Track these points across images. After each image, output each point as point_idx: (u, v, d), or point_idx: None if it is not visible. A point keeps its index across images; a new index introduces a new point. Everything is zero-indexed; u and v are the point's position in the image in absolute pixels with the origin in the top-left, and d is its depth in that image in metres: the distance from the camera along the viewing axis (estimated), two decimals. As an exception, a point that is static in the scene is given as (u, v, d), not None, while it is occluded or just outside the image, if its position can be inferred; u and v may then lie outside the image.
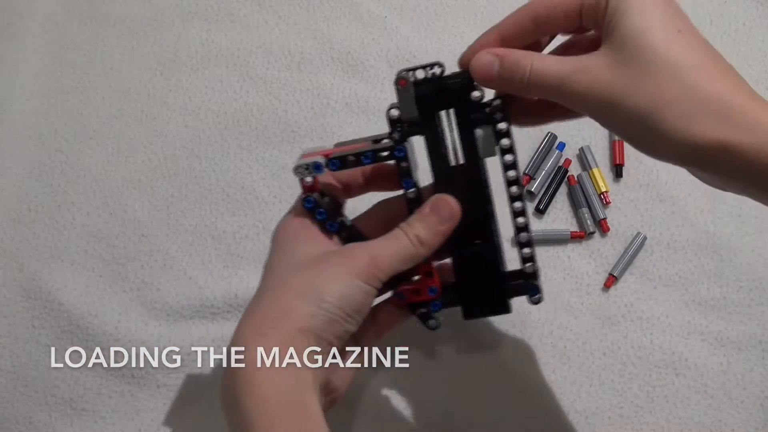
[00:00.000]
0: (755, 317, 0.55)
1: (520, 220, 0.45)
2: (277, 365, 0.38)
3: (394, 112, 0.43)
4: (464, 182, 0.44)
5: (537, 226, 0.58)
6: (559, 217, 0.58)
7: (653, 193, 0.58)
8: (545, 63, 0.39)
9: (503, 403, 0.54)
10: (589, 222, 0.57)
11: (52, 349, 0.56)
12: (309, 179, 0.43)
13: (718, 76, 0.36)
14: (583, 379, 0.54)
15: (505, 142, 0.43)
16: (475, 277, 0.45)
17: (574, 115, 0.43)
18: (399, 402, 0.54)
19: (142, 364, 0.56)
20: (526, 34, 0.41)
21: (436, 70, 0.43)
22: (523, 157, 0.59)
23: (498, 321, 0.55)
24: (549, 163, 0.58)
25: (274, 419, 0.37)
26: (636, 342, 0.55)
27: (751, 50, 0.62)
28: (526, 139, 0.59)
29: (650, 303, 0.56)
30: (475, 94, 0.42)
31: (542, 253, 0.57)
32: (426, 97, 0.43)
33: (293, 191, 0.48)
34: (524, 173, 0.58)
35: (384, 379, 0.55)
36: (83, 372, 0.56)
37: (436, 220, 0.43)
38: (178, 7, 0.65)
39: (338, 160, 0.43)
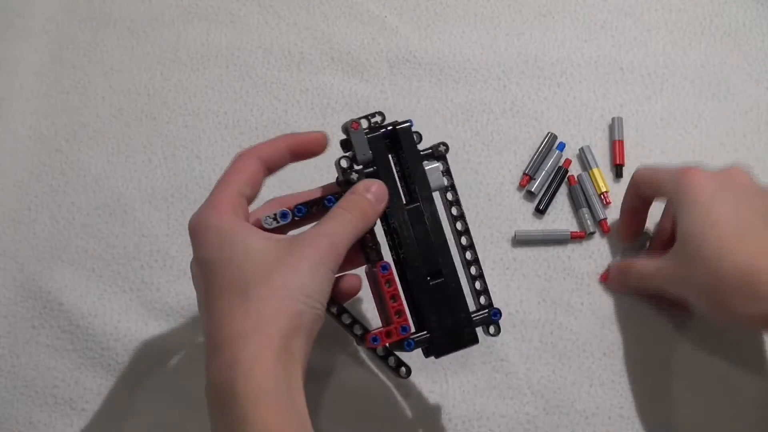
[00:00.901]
0: (755, 317, 0.55)
1: (469, 254, 0.48)
2: (275, 362, 0.38)
3: (344, 162, 0.46)
4: (421, 217, 0.46)
5: (537, 226, 0.58)
6: (559, 217, 0.58)
7: (653, 193, 0.58)
8: (642, 267, 0.52)
9: (503, 403, 0.54)
10: (589, 222, 0.57)
11: (52, 349, 0.56)
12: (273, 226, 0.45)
13: (742, 250, 0.45)
14: (583, 379, 0.54)
15: (447, 179, 0.47)
16: (441, 311, 0.46)
17: None
18: (397, 402, 0.54)
19: (141, 365, 0.56)
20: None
21: (378, 119, 0.47)
22: (523, 157, 0.59)
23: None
24: (549, 163, 0.58)
25: (272, 413, 0.37)
26: (636, 342, 0.55)
27: (751, 50, 0.62)
28: (526, 138, 0.60)
29: (650, 303, 0.55)
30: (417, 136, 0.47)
31: (542, 253, 0.57)
32: (377, 139, 0.46)
33: (293, 191, 0.49)
34: (524, 173, 0.58)
35: (383, 376, 0.55)
36: (83, 372, 0.56)
37: (372, 198, 0.45)
38: (178, 7, 0.65)
39: (303, 207, 0.45)
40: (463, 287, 0.47)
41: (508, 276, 0.56)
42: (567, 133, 0.59)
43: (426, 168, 0.47)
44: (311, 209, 0.45)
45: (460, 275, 0.47)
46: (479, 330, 0.47)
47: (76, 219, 0.59)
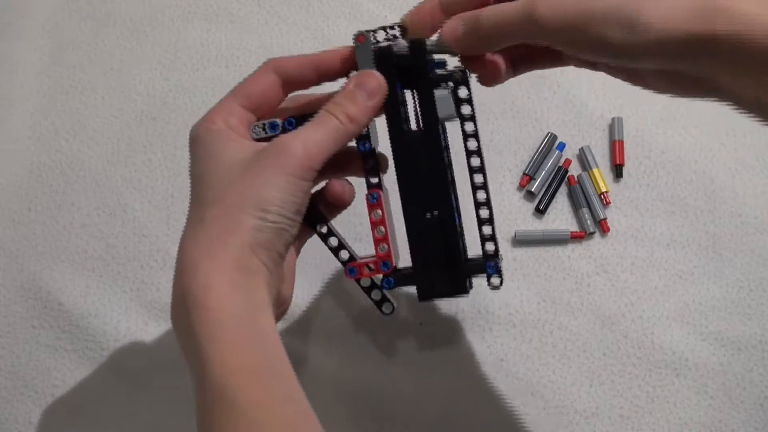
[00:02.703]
0: (755, 317, 0.55)
1: (480, 194, 0.43)
2: (229, 288, 0.36)
3: (354, 74, 0.42)
4: (422, 147, 0.42)
5: (537, 226, 0.58)
6: (559, 217, 0.58)
7: (653, 193, 0.58)
8: (503, 7, 0.37)
9: (503, 403, 0.54)
10: (589, 222, 0.57)
11: (52, 349, 0.56)
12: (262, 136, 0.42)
13: None
14: (583, 379, 0.54)
15: (465, 108, 0.42)
16: (431, 251, 0.42)
17: (543, 60, 0.42)
18: (397, 401, 0.54)
19: (142, 365, 0.56)
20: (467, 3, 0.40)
21: (396, 32, 0.42)
22: (523, 157, 0.59)
23: (498, 321, 0.55)
24: (549, 163, 0.58)
25: (228, 344, 0.35)
26: (636, 342, 0.55)
27: (751, 50, 0.62)
28: (527, 138, 0.59)
29: (650, 303, 0.56)
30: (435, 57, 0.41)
31: (542, 253, 0.57)
32: (385, 56, 0.41)
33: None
34: (524, 173, 0.58)
35: (385, 376, 0.55)
36: (83, 372, 0.56)
37: (363, 95, 0.41)
38: (178, 7, 0.65)
39: (294, 120, 0.42)
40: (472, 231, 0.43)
41: (508, 276, 0.56)
42: (567, 133, 0.59)
43: (435, 94, 0.42)
44: (304, 120, 0.41)
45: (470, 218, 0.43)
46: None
47: (76, 219, 0.59)
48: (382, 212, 0.43)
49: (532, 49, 0.41)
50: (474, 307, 0.56)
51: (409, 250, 0.43)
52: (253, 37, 0.64)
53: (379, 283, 0.44)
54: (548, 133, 0.59)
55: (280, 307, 0.42)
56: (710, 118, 0.60)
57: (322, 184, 0.44)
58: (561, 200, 0.58)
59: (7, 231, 0.59)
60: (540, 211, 0.58)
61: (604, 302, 0.56)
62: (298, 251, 0.45)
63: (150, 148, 0.61)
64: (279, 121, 0.42)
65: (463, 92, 0.42)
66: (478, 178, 0.43)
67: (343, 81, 0.42)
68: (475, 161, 0.43)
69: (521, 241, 0.57)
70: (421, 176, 0.42)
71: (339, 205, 0.44)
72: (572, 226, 0.58)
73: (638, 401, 0.54)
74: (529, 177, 0.58)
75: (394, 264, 0.43)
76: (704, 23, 0.32)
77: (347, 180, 0.44)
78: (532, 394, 0.54)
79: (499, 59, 0.42)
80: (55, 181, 0.60)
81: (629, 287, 0.56)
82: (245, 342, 0.36)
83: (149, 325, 0.57)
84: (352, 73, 0.42)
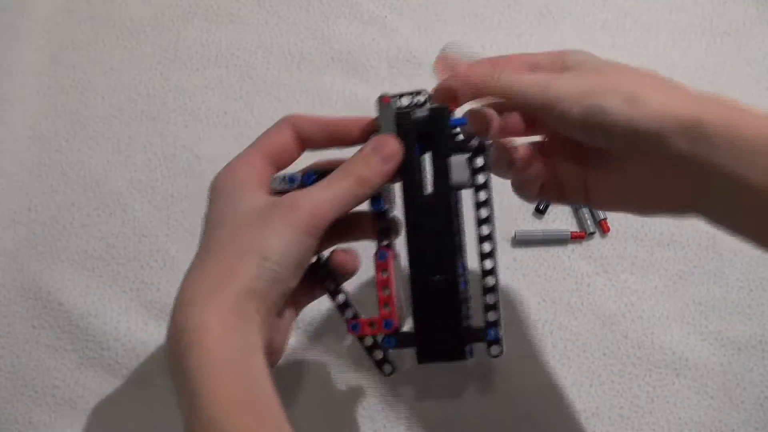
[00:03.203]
0: (755, 317, 0.55)
1: (488, 263, 0.43)
2: (224, 329, 0.37)
3: (367, 143, 0.43)
4: (433, 212, 0.43)
5: (537, 226, 0.58)
6: (559, 217, 0.58)
7: (653, 193, 0.58)
8: (519, 74, 0.41)
9: (503, 402, 0.54)
10: (589, 222, 0.57)
11: (52, 349, 0.56)
12: (281, 189, 0.43)
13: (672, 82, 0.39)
14: (583, 379, 0.54)
15: (480, 178, 0.43)
16: (434, 315, 0.43)
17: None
18: (397, 401, 0.54)
19: (141, 365, 0.56)
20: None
21: (420, 98, 0.43)
22: (523, 157, 0.59)
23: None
24: (549, 163, 0.58)
25: (220, 380, 0.36)
26: (636, 342, 0.55)
27: (751, 50, 0.62)
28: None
29: (650, 303, 0.56)
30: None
31: (542, 253, 0.57)
32: (406, 120, 0.43)
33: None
34: (524, 173, 0.58)
35: (373, 375, 0.55)
36: (83, 372, 0.56)
37: (378, 160, 0.42)
38: (178, 7, 0.65)
39: (314, 173, 0.43)
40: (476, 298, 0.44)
41: (508, 276, 0.56)
42: (567, 133, 0.59)
43: (451, 161, 0.43)
44: (324, 177, 0.42)
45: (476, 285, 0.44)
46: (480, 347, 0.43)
47: (76, 219, 0.59)
48: (390, 272, 0.43)
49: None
50: (473, 307, 0.56)
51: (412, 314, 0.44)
52: (253, 37, 0.64)
53: (380, 341, 0.44)
54: (548, 133, 0.59)
55: (272, 355, 0.42)
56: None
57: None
58: (561, 200, 0.58)
59: (7, 231, 0.59)
60: (540, 212, 0.58)
61: (604, 302, 0.56)
62: (299, 309, 0.46)
63: (150, 148, 0.61)
64: (299, 174, 0.43)
65: (479, 161, 0.43)
66: (486, 247, 0.43)
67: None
68: (485, 230, 0.43)
69: (521, 241, 0.57)
70: (430, 240, 0.43)
71: (342, 273, 0.45)
72: (572, 226, 0.58)
73: (638, 401, 0.54)
74: (529, 177, 0.58)
75: (396, 324, 0.43)
76: (694, 109, 0.36)
77: (353, 250, 0.45)
78: (532, 394, 0.54)
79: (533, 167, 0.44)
80: (55, 181, 0.60)
81: (629, 287, 0.56)
82: (237, 379, 0.37)
83: (149, 325, 0.57)
84: (372, 136, 0.43)
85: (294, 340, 0.55)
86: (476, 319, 0.44)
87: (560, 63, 0.41)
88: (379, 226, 0.44)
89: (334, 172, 0.42)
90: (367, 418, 0.54)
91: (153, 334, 0.56)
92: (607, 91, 0.37)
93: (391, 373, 0.45)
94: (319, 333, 0.56)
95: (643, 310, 0.55)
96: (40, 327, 0.57)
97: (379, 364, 0.45)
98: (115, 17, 0.65)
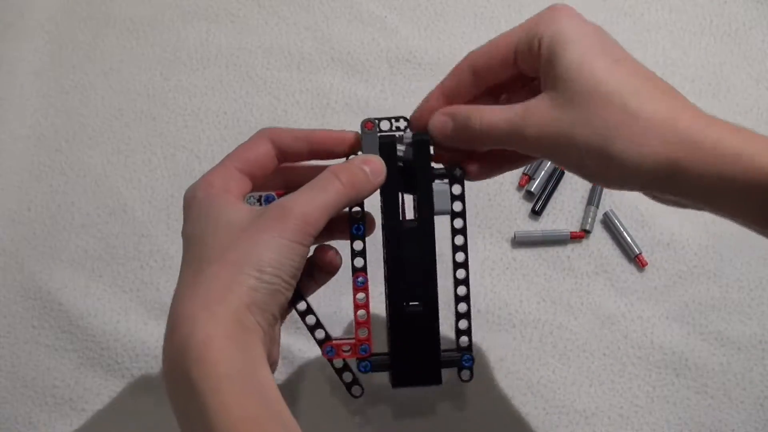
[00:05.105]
0: (755, 317, 0.55)
1: (462, 289, 0.44)
2: (228, 342, 0.37)
3: (355, 157, 0.43)
4: (415, 239, 0.43)
5: (536, 226, 0.58)
6: (559, 217, 0.58)
7: (653, 193, 0.58)
8: (494, 114, 0.40)
9: (503, 402, 0.54)
10: (589, 221, 0.57)
11: (52, 349, 0.56)
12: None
13: (659, 98, 0.37)
14: (583, 379, 0.54)
15: (458, 205, 0.44)
16: (409, 340, 0.44)
17: (527, 160, 0.44)
18: (390, 399, 0.54)
19: (141, 365, 0.56)
20: (468, 87, 0.43)
21: (401, 124, 0.44)
22: (523, 157, 0.59)
23: (497, 321, 0.55)
24: (549, 164, 0.58)
25: (231, 396, 0.35)
26: (636, 342, 0.55)
27: (751, 50, 0.62)
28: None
29: (650, 303, 0.56)
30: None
31: (542, 253, 0.57)
32: (390, 145, 0.43)
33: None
34: (524, 173, 0.58)
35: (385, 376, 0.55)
36: (83, 372, 0.56)
37: (368, 170, 0.42)
38: (178, 7, 0.65)
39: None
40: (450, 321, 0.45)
41: (508, 276, 0.56)
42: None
43: (434, 188, 0.43)
44: None
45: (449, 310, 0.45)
46: (452, 371, 0.45)
47: (76, 219, 0.59)
48: (367, 297, 0.44)
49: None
50: (473, 307, 0.56)
51: (386, 337, 0.44)
52: (253, 37, 0.64)
53: (354, 366, 0.45)
54: (548, 133, 0.59)
55: (270, 366, 0.41)
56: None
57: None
58: (560, 200, 0.58)
59: (7, 231, 0.59)
60: (536, 212, 0.58)
61: (604, 302, 0.56)
62: (282, 321, 0.44)
63: (150, 148, 0.61)
64: (274, 194, 0.43)
65: (456, 189, 0.44)
66: (461, 274, 0.44)
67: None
68: (460, 257, 0.44)
69: (521, 241, 0.57)
70: (410, 267, 0.43)
71: (329, 271, 0.45)
72: (572, 226, 0.58)
73: (638, 401, 0.54)
74: (528, 177, 0.58)
75: (372, 350, 0.44)
76: (669, 152, 0.35)
77: (334, 247, 0.45)
78: (532, 394, 0.54)
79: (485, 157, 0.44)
80: (55, 181, 0.60)
81: (629, 287, 0.56)
82: (248, 393, 0.36)
83: (149, 325, 0.57)
84: (352, 157, 0.43)
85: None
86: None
87: (536, 47, 0.39)
88: (356, 249, 0.44)
89: (318, 177, 0.41)
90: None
91: (153, 334, 0.56)
92: (579, 145, 0.37)
93: (360, 395, 0.45)
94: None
95: (643, 310, 0.55)
96: (40, 327, 0.57)
97: (349, 387, 0.45)
98: (115, 17, 0.65)
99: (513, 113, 0.39)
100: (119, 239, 0.59)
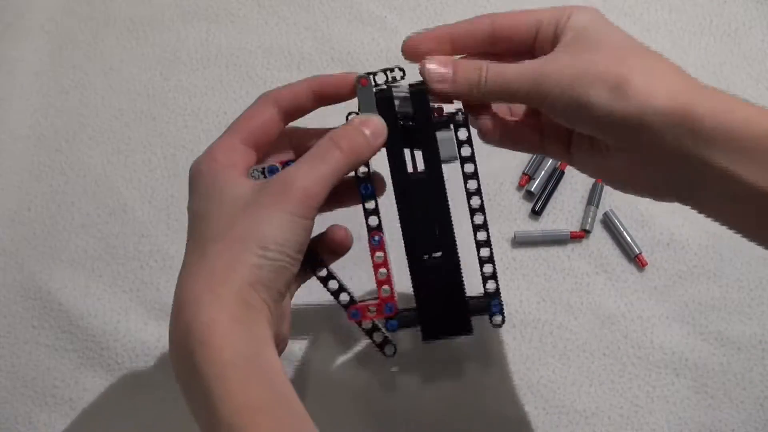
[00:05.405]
0: (755, 317, 0.55)
1: (482, 234, 0.44)
2: (232, 324, 0.36)
3: (354, 118, 0.42)
4: (425, 190, 0.43)
5: (536, 226, 0.58)
6: (559, 217, 0.58)
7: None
8: (506, 68, 0.40)
9: (503, 402, 0.54)
10: (589, 220, 0.57)
11: (52, 349, 0.56)
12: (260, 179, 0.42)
13: (675, 69, 0.38)
14: (583, 379, 0.54)
15: (466, 150, 0.43)
16: (434, 292, 0.43)
17: (536, 139, 0.43)
18: (398, 401, 0.54)
19: (141, 365, 0.56)
20: (479, 45, 0.42)
21: (397, 74, 0.43)
22: (523, 157, 0.59)
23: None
24: (549, 164, 0.58)
25: (236, 382, 0.35)
26: (636, 342, 0.55)
27: (751, 50, 0.62)
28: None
29: (650, 303, 0.56)
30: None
31: (542, 253, 0.57)
32: (387, 99, 0.42)
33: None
34: (524, 173, 0.58)
35: (385, 375, 0.55)
36: (83, 372, 0.56)
37: (368, 133, 0.41)
38: (178, 7, 0.65)
39: (293, 163, 0.42)
40: (471, 270, 0.44)
41: (508, 276, 0.56)
42: (567, 133, 0.59)
43: (438, 136, 0.42)
44: None
45: (471, 257, 0.44)
46: (482, 319, 0.44)
47: (76, 219, 0.59)
48: (385, 255, 0.43)
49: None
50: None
51: (412, 291, 0.44)
52: (253, 37, 0.64)
53: (381, 325, 0.44)
54: (548, 133, 0.59)
55: (279, 345, 0.41)
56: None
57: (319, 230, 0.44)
58: (560, 200, 0.58)
59: (7, 231, 0.59)
60: (536, 212, 0.58)
61: (604, 302, 0.56)
62: (292, 294, 0.45)
63: (150, 148, 0.61)
64: (278, 165, 0.42)
65: (463, 134, 0.43)
66: (479, 219, 0.44)
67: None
68: (476, 201, 0.43)
69: (521, 241, 0.57)
70: (425, 218, 0.43)
71: (340, 251, 0.45)
72: (571, 226, 0.58)
73: (638, 401, 0.54)
74: (528, 177, 0.58)
75: (397, 308, 0.43)
76: (686, 100, 0.35)
77: (345, 227, 0.45)
78: (532, 394, 0.54)
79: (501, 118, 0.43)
80: (55, 181, 0.60)
81: (629, 287, 0.56)
82: (253, 379, 0.36)
83: (149, 325, 0.57)
84: (352, 116, 0.42)
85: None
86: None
87: (563, 24, 0.39)
88: (368, 208, 0.43)
89: (317, 145, 0.40)
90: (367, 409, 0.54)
91: (153, 334, 0.56)
92: (594, 79, 0.37)
93: (393, 354, 0.44)
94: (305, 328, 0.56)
95: (643, 310, 0.55)
96: (40, 327, 0.57)
97: (381, 347, 0.44)
98: (115, 17, 0.65)
99: (530, 66, 0.39)
100: (119, 239, 0.59)
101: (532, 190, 0.58)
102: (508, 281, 0.56)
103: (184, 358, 0.37)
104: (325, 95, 0.43)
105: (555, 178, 0.58)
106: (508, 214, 0.58)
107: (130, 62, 0.63)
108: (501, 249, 0.57)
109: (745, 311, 0.55)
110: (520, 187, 0.59)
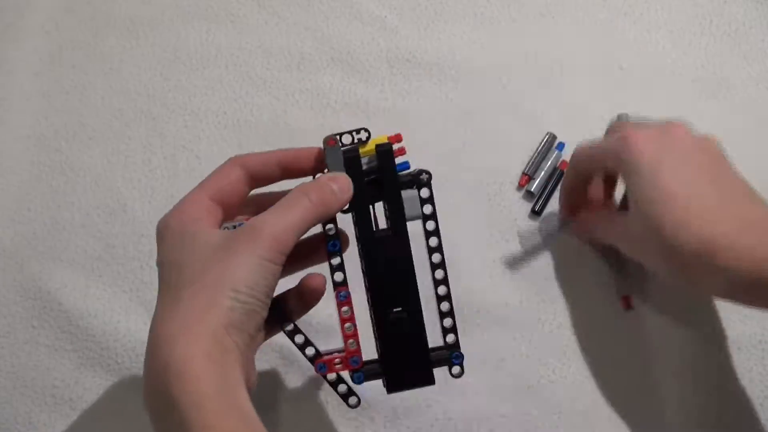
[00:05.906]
0: (755, 317, 0.55)
1: (442, 289, 0.45)
2: (207, 361, 0.37)
3: (321, 175, 0.44)
4: (390, 247, 0.44)
5: (535, 226, 0.58)
6: (558, 217, 0.58)
7: (653, 193, 0.58)
8: (608, 230, 0.52)
9: (503, 402, 0.54)
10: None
11: (52, 349, 0.56)
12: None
13: (696, 224, 0.44)
14: (583, 379, 0.54)
15: (428, 208, 0.45)
16: (398, 346, 0.45)
17: None
18: (399, 401, 0.54)
19: (141, 365, 0.56)
20: (578, 189, 0.55)
21: (363, 135, 0.44)
22: (523, 157, 0.59)
23: (497, 321, 0.55)
24: (548, 163, 0.58)
25: (212, 413, 0.36)
26: (636, 341, 0.55)
27: (751, 50, 0.62)
28: (525, 138, 0.60)
29: (650, 302, 0.56)
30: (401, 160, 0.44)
31: (542, 253, 0.57)
32: (354, 159, 0.44)
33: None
34: (523, 173, 0.58)
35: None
36: (83, 372, 0.56)
37: (335, 187, 0.43)
38: (178, 7, 0.65)
39: None
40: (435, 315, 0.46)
41: (508, 276, 0.56)
42: (567, 133, 0.59)
43: (403, 195, 0.45)
44: None
45: (431, 310, 0.46)
46: (445, 370, 0.46)
47: (76, 219, 0.59)
48: (351, 309, 0.44)
49: None
50: (473, 306, 0.56)
51: (375, 344, 0.45)
52: (253, 37, 0.64)
53: (347, 377, 0.45)
54: (548, 133, 0.59)
55: (247, 387, 0.42)
56: (710, 118, 0.60)
57: (288, 285, 0.46)
58: (561, 200, 0.58)
59: (6, 231, 0.59)
60: (536, 212, 0.58)
61: (604, 302, 0.56)
62: (258, 345, 0.45)
63: (150, 148, 0.61)
64: (246, 221, 0.43)
65: (425, 193, 0.45)
66: (439, 274, 0.45)
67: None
68: (437, 257, 0.45)
69: (521, 241, 0.57)
70: (390, 275, 0.45)
71: (312, 299, 0.46)
72: (572, 226, 0.58)
73: (638, 401, 0.54)
74: (528, 177, 0.58)
75: (362, 361, 0.45)
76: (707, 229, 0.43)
77: (322, 275, 0.46)
78: (532, 393, 0.54)
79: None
80: (55, 181, 0.60)
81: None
82: (228, 411, 0.37)
83: (149, 325, 0.56)
84: (319, 175, 0.44)
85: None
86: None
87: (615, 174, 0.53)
88: (333, 263, 0.44)
89: (286, 196, 0.42)
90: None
91: (153, 334, 0.56)
92: (653, 260, 0.47)
93: (357, 405, 0.45)
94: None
95: (643, 310, 0.55)
96: (40, 327, 0.57)
97: (345, 398, 0.45)
98: (115, 17, 0.65)
99: (615, 230, 0.50)
100: (119, 239, 0.59)
101: (532, 190, 0.58)
102: (507, 281, 0.56)
103: (161, 393, 0.37)
104: (291, 169, 0.45)
105: (555, 178, 0.58)
106: (508, 214, 0.58)
107: (130, 62, 0.63)
108: (501, 249, 0.57)
109: (745, 311, 0.55)
110: (520, 187, 0.59)
